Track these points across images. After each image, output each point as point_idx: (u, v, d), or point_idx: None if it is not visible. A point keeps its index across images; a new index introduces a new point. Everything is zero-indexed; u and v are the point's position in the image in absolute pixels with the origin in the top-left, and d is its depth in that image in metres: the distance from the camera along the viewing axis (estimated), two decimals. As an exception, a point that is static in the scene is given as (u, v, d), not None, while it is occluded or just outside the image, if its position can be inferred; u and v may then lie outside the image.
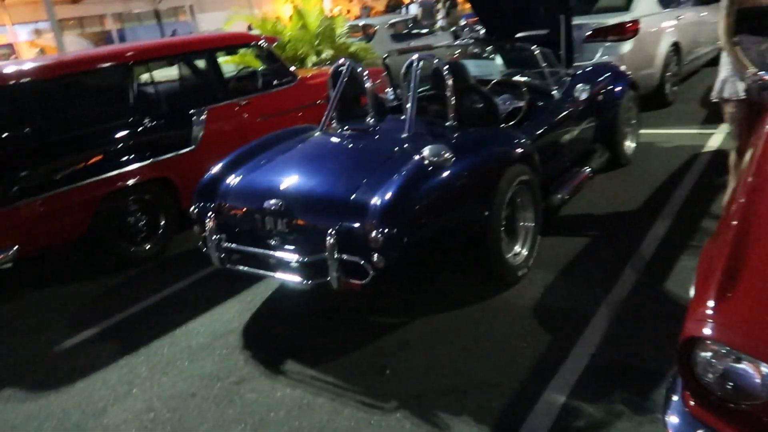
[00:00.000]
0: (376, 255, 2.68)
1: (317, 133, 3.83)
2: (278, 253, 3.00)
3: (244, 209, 3.22)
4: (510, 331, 2.96)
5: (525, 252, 3.42)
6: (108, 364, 3.17)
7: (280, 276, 3.02)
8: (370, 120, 3.81)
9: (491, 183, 3.09)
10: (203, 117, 4.77)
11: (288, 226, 3.00)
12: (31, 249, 3.91)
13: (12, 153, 3.88)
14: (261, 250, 3.06)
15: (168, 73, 5.69)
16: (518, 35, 4.95)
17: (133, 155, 4.34)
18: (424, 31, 11.76)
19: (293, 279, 2.97)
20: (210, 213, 3.25)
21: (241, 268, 3.17)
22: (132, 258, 4.43)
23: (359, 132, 3.71)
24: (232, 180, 3.36)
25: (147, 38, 28.81)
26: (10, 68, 4.17)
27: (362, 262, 2.74)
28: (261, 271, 3.09)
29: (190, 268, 4.18)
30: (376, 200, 2.79)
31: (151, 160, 4.43)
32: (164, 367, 3.07)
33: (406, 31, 11.40)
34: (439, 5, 18.38)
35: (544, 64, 4.29)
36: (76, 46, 25.22)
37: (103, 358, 3.24)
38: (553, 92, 4.22)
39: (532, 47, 4.36)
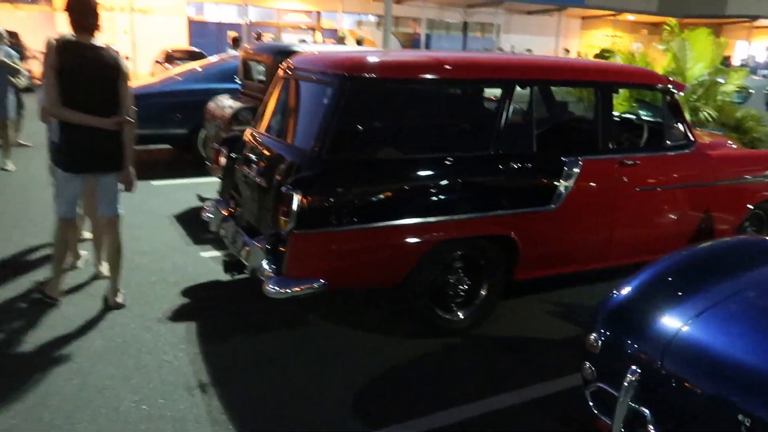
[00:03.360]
0: None
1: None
2: None
3: (699, 391, 1.81)
4: None
5: None
6: None
7: None
8: None
9: None
10: (575, 170, 3.51)
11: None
12: (338, 285, 3.08)
13: (347, 164, 3.06)
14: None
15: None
16: None
17: (480, 200, 3.28)
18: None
19: None
20: (633, 365, 1.93)
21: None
22: (440, 326, 3.40)
23: None
24: (671, 322, 1.97)
25: (450, 48, 29.50)
26: (374, 57, 3.37)
27: None
28: None
29: (515, 373, 2.98)
30: None
31: (499, 211, 3.32)
32: None
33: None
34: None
35: None
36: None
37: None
38: None
39: None
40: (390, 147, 3.18)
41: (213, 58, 8.95)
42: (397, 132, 3.23)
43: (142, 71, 19.93)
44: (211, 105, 5.89)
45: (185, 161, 7.81)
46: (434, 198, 3.16)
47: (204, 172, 6.52)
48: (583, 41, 34.63)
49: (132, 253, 4.57)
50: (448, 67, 3.31)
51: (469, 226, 3.25)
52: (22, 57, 16.07)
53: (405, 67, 3.18)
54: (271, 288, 2.93)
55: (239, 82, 6.38)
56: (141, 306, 3.65)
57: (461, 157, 3.29)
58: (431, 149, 3.26)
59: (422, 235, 3.12)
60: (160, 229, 5.15)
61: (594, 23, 34.19)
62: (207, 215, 4.05)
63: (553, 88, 4.05)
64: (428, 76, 3.23)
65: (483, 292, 3.48)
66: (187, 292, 3.90)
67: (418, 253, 3.15)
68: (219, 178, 4.09)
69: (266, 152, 3.46)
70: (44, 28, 21.11)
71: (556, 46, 30.69)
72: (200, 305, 3.73)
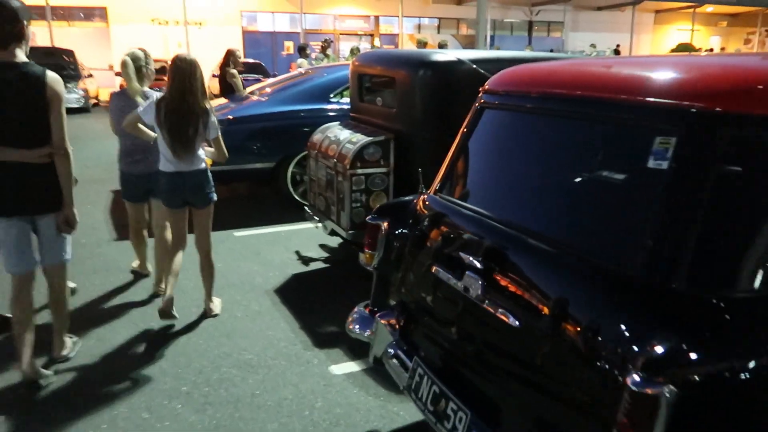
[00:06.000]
0: None
1: None
2: None
3: None
4: None
5: None
6: None
7: None
8: None
9: None
10: None
11: None
12: None
13: (739, 309, 1.43)
14: None
15: None
16: None
17: None
18: None
19: None
20: None
21: None
22: None
23: None
24: None
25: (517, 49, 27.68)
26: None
27: None
28: None
29: None
30: None
31: None
32: None
33: None
34: None
35: None
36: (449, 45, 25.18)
37: None
38: None
39: None
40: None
41: (295, 72, 7.51)
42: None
43: (199, 86, 18.98)
44: (318, 137, 4.38)
45: (264, 199, 6.43)
46: None
47: (294, 217, 5.13)
48: (656, 37, 32.14)
49: (230, 366, 3.10)
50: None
51: None
52: (78, 76, 15.22)
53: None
54: None
55: (347, 105, 4.89)
56: None
57: None
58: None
59: None
60: (261, 317, 3.67)
61: (668, 17, 31.68)
62: (356, 328, 2.53)
63: None
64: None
65: None
66: (333, 464, 2.38)
67: None
68: (372, 270, 2.55)
69: (496, 251, 1.88)
70: (100, 44, 20.48)
71: (630, 43, 28.34)
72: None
